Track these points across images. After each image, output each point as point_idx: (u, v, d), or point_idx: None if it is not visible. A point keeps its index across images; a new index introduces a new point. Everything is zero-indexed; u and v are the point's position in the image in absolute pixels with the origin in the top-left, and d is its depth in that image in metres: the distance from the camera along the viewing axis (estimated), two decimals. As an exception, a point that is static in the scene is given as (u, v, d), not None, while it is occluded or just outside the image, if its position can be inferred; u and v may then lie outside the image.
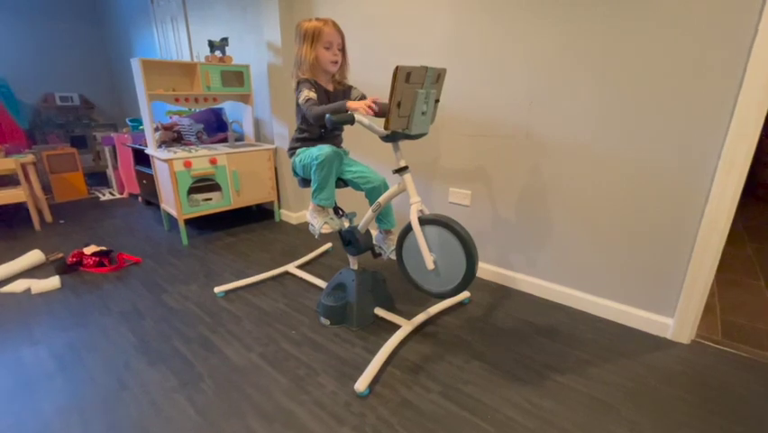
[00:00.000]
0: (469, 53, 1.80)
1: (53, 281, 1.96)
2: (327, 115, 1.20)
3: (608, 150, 1.52)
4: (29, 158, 2.85)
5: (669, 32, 1.31)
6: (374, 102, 1.23)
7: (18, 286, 1.94)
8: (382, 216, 1.60)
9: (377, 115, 1.26)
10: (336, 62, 1.41)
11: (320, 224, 1.48)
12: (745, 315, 1.68)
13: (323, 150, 1.38)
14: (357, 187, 1.56)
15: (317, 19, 1.37)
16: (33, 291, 1.91)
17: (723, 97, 1.26)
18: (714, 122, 1.29)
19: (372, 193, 1.54)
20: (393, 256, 1.57)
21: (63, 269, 2.11)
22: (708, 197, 1.34)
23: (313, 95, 1.35)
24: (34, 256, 2.19)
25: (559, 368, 1.37)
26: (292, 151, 1.55)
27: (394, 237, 1.60)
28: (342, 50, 1.43)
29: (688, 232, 1.41)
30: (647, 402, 1.21)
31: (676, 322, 1.50)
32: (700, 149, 1.33)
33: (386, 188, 1.53)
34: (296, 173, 1.57)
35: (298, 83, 1.39)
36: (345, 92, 1.53)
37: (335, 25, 1.39)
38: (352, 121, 1.22)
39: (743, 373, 1.34)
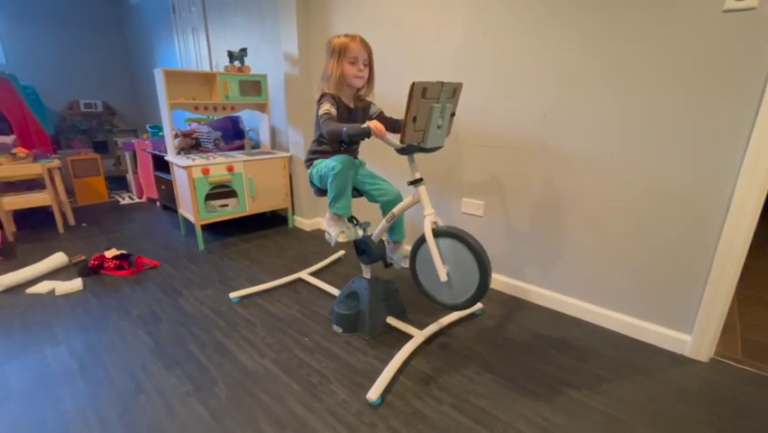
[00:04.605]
0: (483, 66, 1.82)
1: (76, 283, 2.03)
2: (344, 129, 1.22)
3: (625, 161, 1.51)
4: (55, 163, 2.96)
5: (687, 41, 1.30)
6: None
7: (43, 287, 2.01)
8: (393, 228, 1.61)
9: (395, 131, 1.29)
10: (361, 77, 1.42)
11: (336, 232, 1.49)
12: (767, 333, 1.63)
13: (339, 160, 1.40)
14: (372, 198, 1.58)
15: (346, 35, 1.39)
16: (57, 293, 1.98)
17: (744, 106, 1.24)
18: (734, 132, 1.27)
19: (387, 205, 1.55)
20: (404, 265, 1.59)
21: (85, 271, 2.18)
22: (728, 209, 1.32)
23: (333, 110, 1.36)
24: (58, 258, 2.27)
25: (572, 383, 1.35)
26: (309, 162, 1.56)
27: (403, 248, 1.63)
28: (369, 65, 1.44)
29: (707, 245, 1.39)
30: (664, 422, 1.19)
31: (694, 339, 1.46)
32: (720, 159, 1.31)
33: (401, 200, 1.55)
34: (312, 183, 1.59)
35: (321, 96, 1.41)
36: (365, 109, 1.54)
37: (362, 41, 1.40)
38: (368, 134, 1.24)
39: (764, 393, 1.31)
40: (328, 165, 1.43)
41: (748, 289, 2.00)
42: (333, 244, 1.58)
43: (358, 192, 1.58)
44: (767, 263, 2.34)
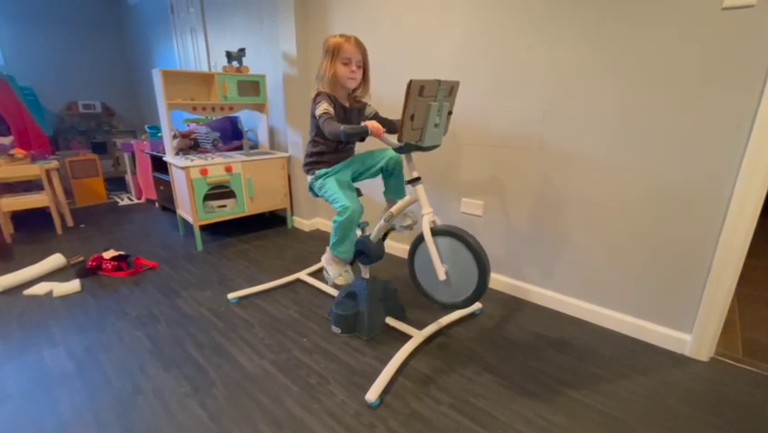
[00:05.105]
0: (482, 65, 1.81)
1: (74, 285, 2.02)
2: (342, 129, 1.22)
3: (624, 161, 1.51)
4: (53, 164, 2.95)
5: (686, 40, 1.30)
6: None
7: (41, 289, 2.00)
8: (392, 187, 1.60)
9: (391, 131, 1.28)
10: (353, 78, 1.41)
11: (335, 274, 1.48)
12: (767, 332, 1.63)
13: (346, 202, 1.38)
14: (376, 173, 1.57)
15: (341, 35, 1.38)
16: (55, 294, 1.97)
17: (743, 105, 1.24)
18: (734, 130, 1.27)
19: (388, 166, 1.54)
20: (405, 225, 1.58)
21: (83, 272, 2.17)
22: (727, 209, 1.32)
23: (330, 109, 1.36)
24: (56, 260, 2.26)
25: (572, 383, 1.34)
26: (309, 168, 1.54)
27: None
28: (363, 67, 1.43)
29: (707, 244, 1.38)
30: (664, 421, 1.18)
31: (694, 338, 1.46)
32: (720, 158, 1.31)
33: (399, 160, 1.54)
34: (311, 189, 1.58)
35: (317, 95, 1.40)
36: (360, 110, 1.53)
37: (357, 42, 1.39)
38: (366, 133, 1.23)
39: (765, 393, 1.30)
40: (334, 200, 1.42)
41: (748, 287, 1.99)
42: (330, 284, 1.57)
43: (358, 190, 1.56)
44: (767, 262, 2.34)
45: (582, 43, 1.51)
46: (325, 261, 1.52)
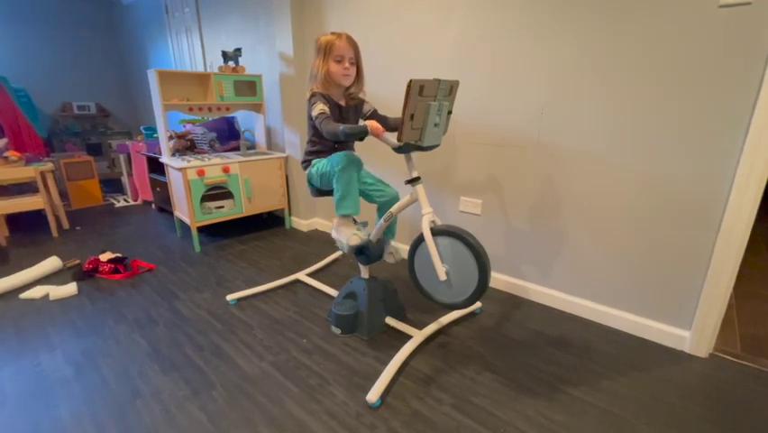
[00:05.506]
0: (481, 64, 1.81)
1: (70, 288, 2.00)
2: (341, 129, 1.21)
3: (622, 159, 1.51)
4: (47, 166, 2.93)
5: (684, 37, 1.30)
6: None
7: (37, 292, 1.98)
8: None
9: (389, 129, 1.27)
10: (348, 75, 1.40)
11: (347, 236, 1.42)
12: (766, 328, 1.64)
13: (342, 157, 1.37)
14: (370, 199, 1.57)
15: (332, 33, 1.38)
16: (51, 297, 1.95)
17: (741, 102, 1.24)
18: (732, 127, 1.27)
19: (385, 206, 1.55)
20: (388, 260, 1.64)
21: (80, 275, 2.15)
22: (725, 206, 1.32)
23: (326, 109, 1.35)
24: (52, 263, 2.24)
25: (572, 381, 1.35)
26: (306, 163, 1.54)
27: (389, 245, 1.66)
28: (356, 64, 1.42)
29: (705, 242, 1.39)
30: (664, 418, 1.19)
31: (693, 335, 1.47)
32: (718, 154, 1.31)
33: (394, 203, 1.54)
34: (311, 184, 1.57)
35: (312, 96, 1.39)
36: (357, 107, 1.53)
37: (349, 39, 1.39)
38: (365, 133, 1.23)
39: (763, 388, 1.31)
40: (331, 162, 1.40)
41: (746, 284, 2.01)
42: (346, 251, 1.51)
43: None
44: (765, 258, 2.35)
45: (580, 42, 1.51)
46: (335, 230, 1.47)
